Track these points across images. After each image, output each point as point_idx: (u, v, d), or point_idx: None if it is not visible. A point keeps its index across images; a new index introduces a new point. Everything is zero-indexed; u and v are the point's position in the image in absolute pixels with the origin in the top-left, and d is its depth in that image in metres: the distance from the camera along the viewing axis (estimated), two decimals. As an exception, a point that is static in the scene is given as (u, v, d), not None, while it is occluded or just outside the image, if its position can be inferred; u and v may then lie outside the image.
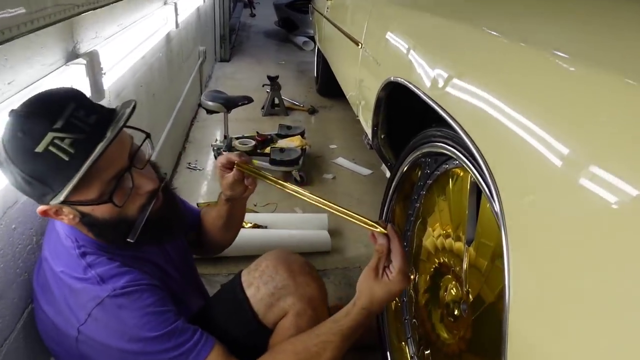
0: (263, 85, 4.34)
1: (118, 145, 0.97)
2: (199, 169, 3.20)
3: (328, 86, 4.60)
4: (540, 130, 0.74)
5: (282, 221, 2.46)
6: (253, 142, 3.21)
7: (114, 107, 1.03)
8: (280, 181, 1.16)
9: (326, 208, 1.09)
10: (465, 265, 1.23)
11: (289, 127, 3.56)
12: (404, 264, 1.01)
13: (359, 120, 2.18)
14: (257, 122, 4.13)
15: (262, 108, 4.34)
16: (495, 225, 1.01)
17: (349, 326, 1.06)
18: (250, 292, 1.19)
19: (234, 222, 1.42)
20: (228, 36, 6.53)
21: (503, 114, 0.83)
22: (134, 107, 0.97)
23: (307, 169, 3.18)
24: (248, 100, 3.13)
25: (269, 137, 3.32)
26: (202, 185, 3.01)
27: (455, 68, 1.10)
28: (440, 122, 1.28)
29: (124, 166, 0.99)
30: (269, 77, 4.22)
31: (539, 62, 0.80)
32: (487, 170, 0.83)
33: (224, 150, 3.16)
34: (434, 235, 1.46)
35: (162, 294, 1.08)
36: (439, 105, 1.08)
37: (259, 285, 1.18)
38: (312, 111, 4.45)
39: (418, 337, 1.54)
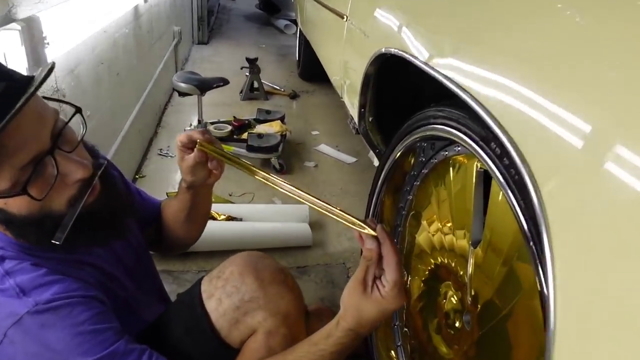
0: (242, 68, 4.11)
1: (34, 121, 0.75)
2: (171, 156, 2.97)
3: (310, 70, 4.42)
4: (589, 100, 0.54)
5: (259, 213, 2.26)
6: (229, 127, 3.00)
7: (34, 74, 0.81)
8: (250, 165, 0.95)
9: (304, 201, 0.89)
10: (470, 270, 1.04)
11: (268, 112, 3.34)
12: (399, 275, 0.81)
13: (343, 104, 1.97)
14: (235, 106, 3.91)
15: (241, 92, 4.12)
16: (511, 224, 0.83)
17: (331, 351, 0.87)
18: (210, 305, 0.98)
19: (198, 214, 1.21)
20: (206, 18, 6.26)
21: (537, 82, 0.64)
22: (50, 70, 0.75)
23: (287, 157, 2.98)
24: (224, 82, 2.90)
25: (247, 122, 3.11)
26: (174, 173, 2.79)
27: (467, 27, 0.90)
28: (441, 101, 1.09)
29: (43, 148, 0.77)
30: (247, 59, 3.99)
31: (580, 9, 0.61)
32: (517, 155, 0.63)
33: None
34: (430, 231, 1.27)
35: (100, 307, 0.87)
36: (446, 77, 0.88)
37: (222, 298, 0.97)
38: (294, 96, 4.23)
39: (410, 349, 1.35)
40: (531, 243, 0.71)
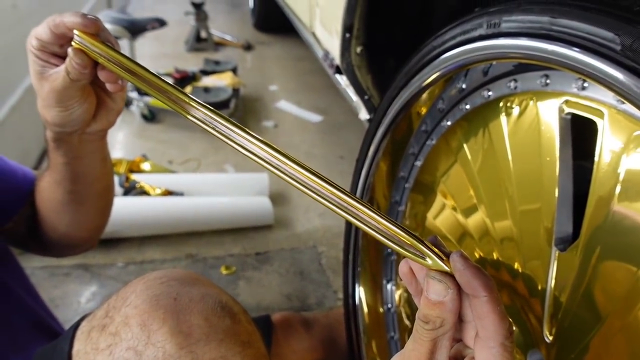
0: (186, 14, 3.55)
1: None
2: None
3: (266, 19, 4.00)
4: None
5: (205, 185, 1.80)
6: (169, 80, 2.47)
7: None
8: (179, 91, 0.48)
9: (303, 188, 0.44)
10: (550, 286, 0.62)
11: (217, 63, 2.85)
12: None
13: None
14: (178, 58, 3.36)
15: (186, 43, 3.57)
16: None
17: None
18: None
19: (85, 190, 0.73)
20: (147, -37, 5.58)
21: None
22: None
23: (241, 115, 2.52)
24: (160, 23, 2.38)
25: (191, 74, 2.58)
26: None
27: None
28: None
29: None
30: (193, 4, 3.44)
31: None
32: None
33: (130, 92, 2.40)
34: (456, 207, 0.84)
35: None
36: None
37: None
38: (248, 47, 3.71)
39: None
40: None
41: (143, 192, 1.67)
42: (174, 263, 1.54)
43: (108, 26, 2.22)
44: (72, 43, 0.53)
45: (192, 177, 1.87)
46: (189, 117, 0.45)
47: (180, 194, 1.70)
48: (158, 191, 1.68)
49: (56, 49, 0.57)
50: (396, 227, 0.39)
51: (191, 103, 0.45)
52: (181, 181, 1.79)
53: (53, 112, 0.60)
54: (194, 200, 1.69)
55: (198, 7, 3.45)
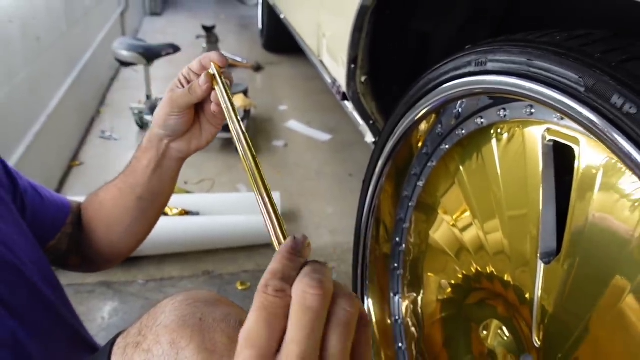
0: (197, 37, 3.67)
1: None
2: (115, 139, 2.53)
3: (275, 40, 4.08)
4: None
5: (219, 204, 1.88)
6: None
7: None
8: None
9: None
10: (538, 295, 0.68)
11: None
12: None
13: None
14: (191, 81, 3.46)
15: (198, 65, 3.67)
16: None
17: None
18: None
19: (151, 199, 0.84)
20: (159, -13, 5.75)
21: None
22: None
23: (252, 135, 2.58)
24: (174, 49, 2.48)
25: (204, 96, 2.67)
26: (119, 160, 2.36)
27: None
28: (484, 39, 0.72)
29: None
30: (204, 27, 3.55)
31: None
32: None
33: (147, 114, 2.50)
34: (456, 225, 0.90)
35: None
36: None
37: None
38: (257, 68, 3.81)
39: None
40: None
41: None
42: (192, 280, 1.61)
43: (124, 53, 2.33)
44: (209, 70, 0.70)
45: (207, 197, 1.95)
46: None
47: (196, 213, 1.78)
48: (175, 211, 1.76)
49: (194, 78, 0.72)
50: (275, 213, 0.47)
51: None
52: (197, 201, 1.86)
53: (161, 112, 0.74)
54: (210, 219, 1.77)
55: (209, 30, 3.56)
